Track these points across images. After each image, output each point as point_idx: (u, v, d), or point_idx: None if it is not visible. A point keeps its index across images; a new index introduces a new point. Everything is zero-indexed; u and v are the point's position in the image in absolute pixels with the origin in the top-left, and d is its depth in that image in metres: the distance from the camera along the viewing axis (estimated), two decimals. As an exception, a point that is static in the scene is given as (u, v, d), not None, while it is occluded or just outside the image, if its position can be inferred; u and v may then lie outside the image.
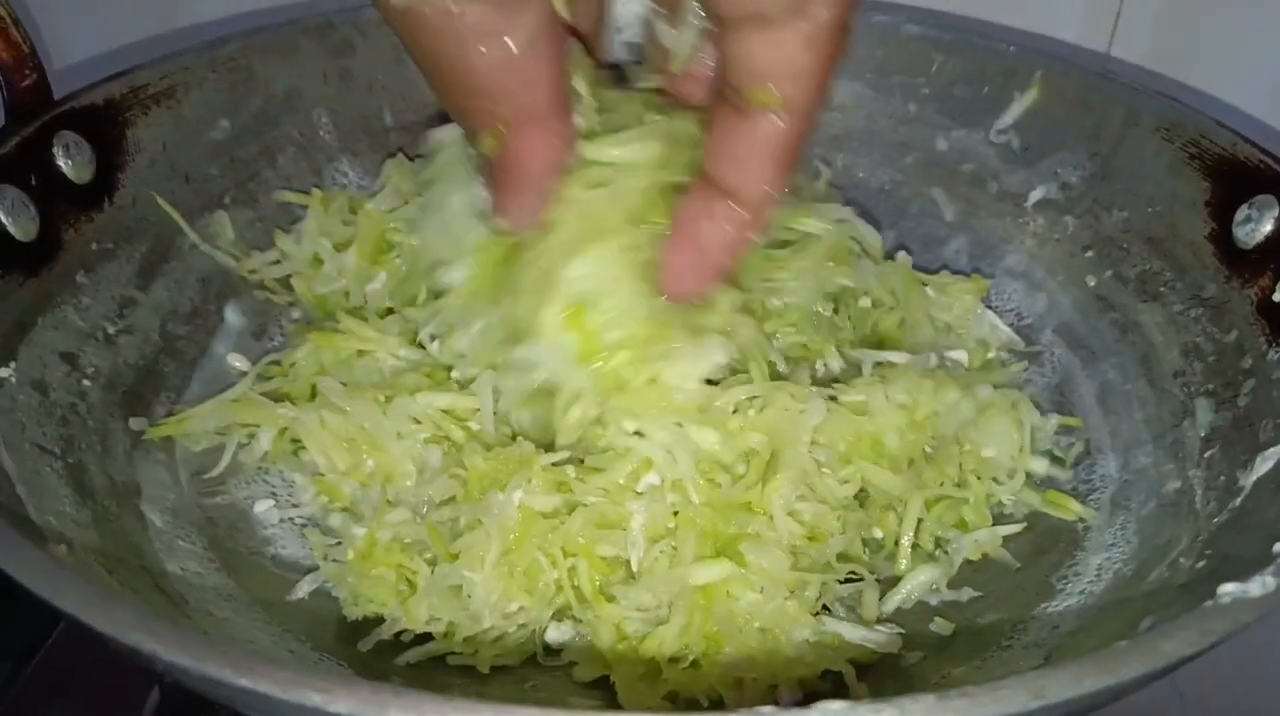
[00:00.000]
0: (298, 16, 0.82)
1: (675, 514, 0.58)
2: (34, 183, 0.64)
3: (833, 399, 0.64)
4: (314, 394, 0.68)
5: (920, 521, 0.65)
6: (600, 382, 0.59)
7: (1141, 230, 0.73)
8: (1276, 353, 0.61)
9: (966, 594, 0.63)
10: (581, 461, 0.60)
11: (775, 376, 0.65)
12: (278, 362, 0.72)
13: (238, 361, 0.74)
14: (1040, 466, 0.68)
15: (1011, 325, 0.79)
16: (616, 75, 0.65)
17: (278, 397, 0.69)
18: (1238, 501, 0.57)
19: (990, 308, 0.79)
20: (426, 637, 0.59)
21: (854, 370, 0.70)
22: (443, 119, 0.85)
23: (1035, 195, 0.80)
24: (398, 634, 0.59)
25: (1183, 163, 0.70)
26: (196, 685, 0.40)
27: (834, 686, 0.57)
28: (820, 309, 0.73)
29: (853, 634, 0.58)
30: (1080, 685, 0.36)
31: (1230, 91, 0.87)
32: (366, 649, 0.58)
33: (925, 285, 0.79)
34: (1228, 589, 0.42)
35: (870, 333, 0.75)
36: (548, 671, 0.58)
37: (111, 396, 0.66)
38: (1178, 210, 0.70)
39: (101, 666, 0.66)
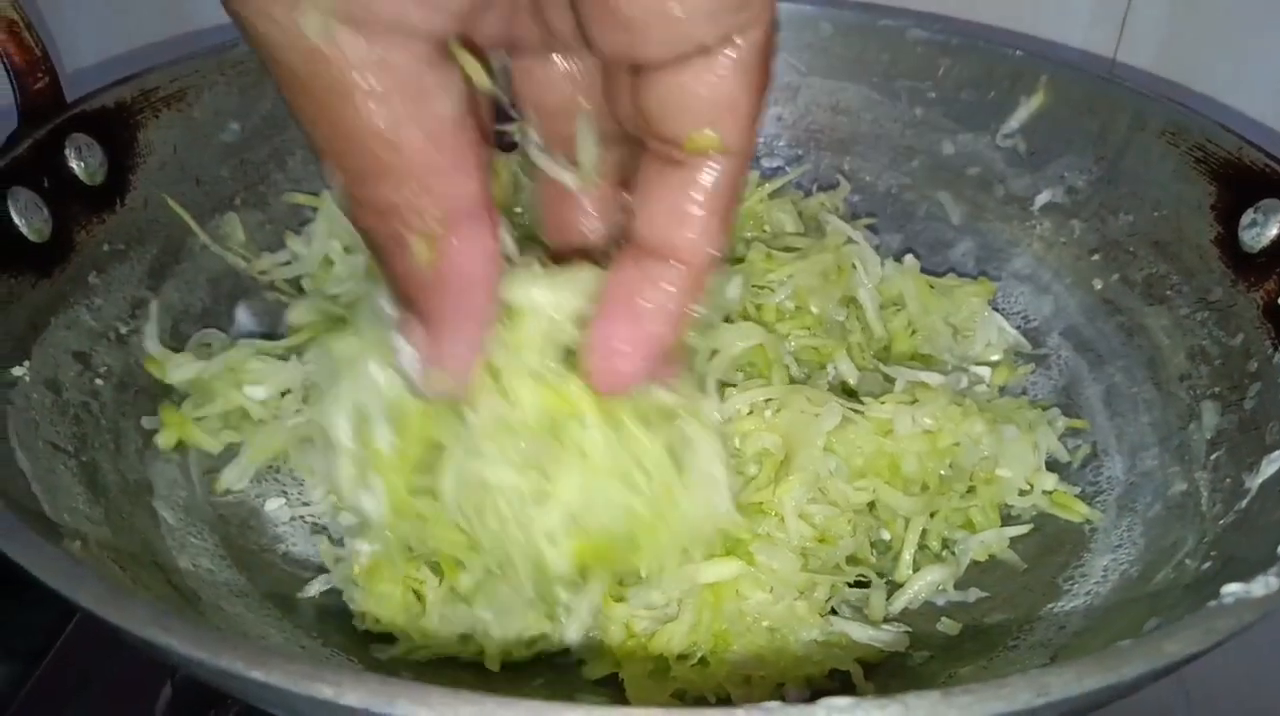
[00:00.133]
0: (308, 20, 0.82)
1: None
2: (46, 184, 0.64)
3: (858, 412, 0.64)
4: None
5: (925, 530, 0.65)
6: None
7: (1148, 234, 0.73)
8: (1283, 356, 0.61)
9: (973, 594, 0.63)
10: None
11: (791, 380, 0.66)
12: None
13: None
14: (1051, 482, 0.68)
15: (1018, 328, 0.79)
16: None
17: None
18: (1243, 503, 0.57)
19: (997, 310, 0.80)
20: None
21: (874, 379, 0.70)
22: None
23: (1042, 199, 0.81)
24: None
25: (1189, 167, 0.70)
26: (210, 678, 0.41)
27: (841, 685, 0.57)
28: (833, 312, 0.74)
29: (860, 633, 0.59)
30: (1083, 683, 0.36)
31: (1236, 96, 0.87)
32: (383, 657, 0.58)
33: (932, 288, 0.79)
34: (1231, 589, 0.42)
35: (884, 335, 0.76)
36: (556, 668, 0.59)
37: (124, 396, 0.66)
38: (1184, 214, 0.70)
39: (113, 664, 0.66)
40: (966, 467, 0.67)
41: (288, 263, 0.79)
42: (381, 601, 0.59)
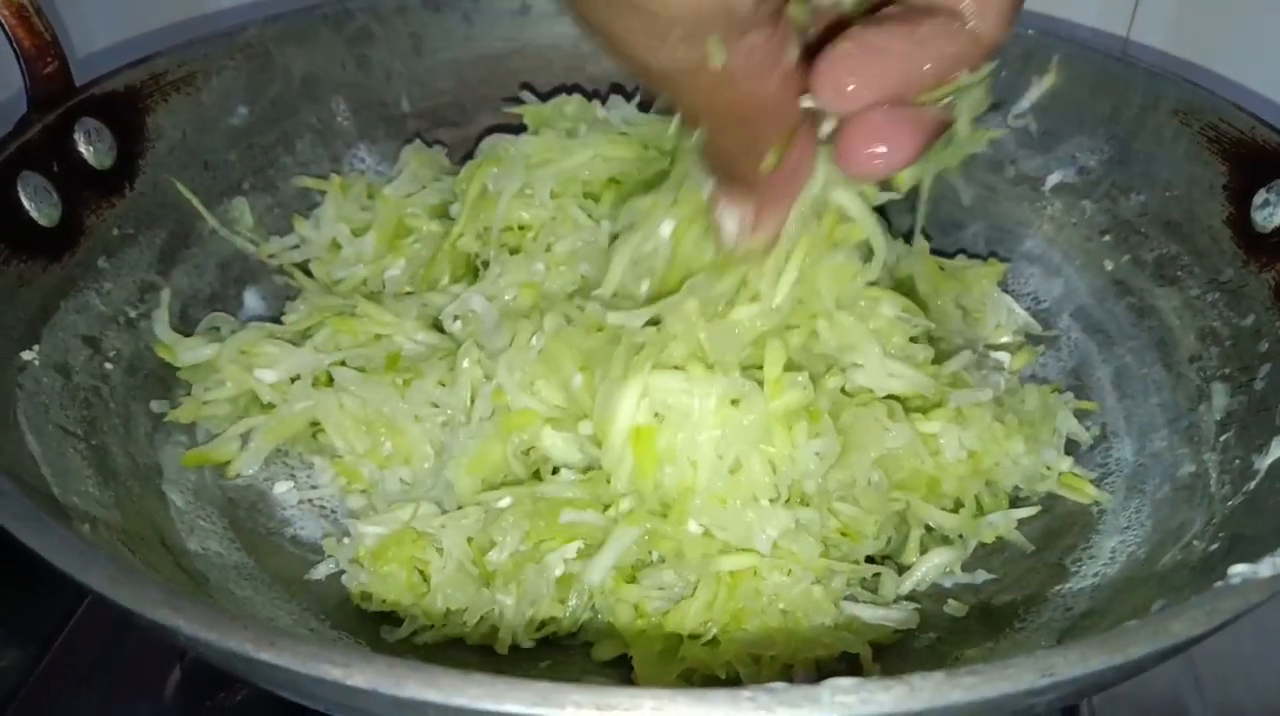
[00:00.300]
0: (316, 4, 0.82)
1: None
2: (56, 169, 0.65)
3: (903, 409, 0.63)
4: (330, 381, 0.68)
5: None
6: (648, 500, 0.59)
7: (1159, 214, 0.73)
8: (1293, 337, 0.61)
9: (981, 576, 0.63)
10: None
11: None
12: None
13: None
14: (1067, 464, 0.68)
15: (1028, 309, 0.79)
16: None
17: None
18: (1252, 485, 0.57)
19: (1007, 292, 0.79)
20: (443, 616, 0.60)
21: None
22: (458, 112, 0.87)
23: (1053, 179, 0.80)
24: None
25: (1201, 146, 0.70)
26: (218, 660, 0.41)
27: (850, 668, 0.57)
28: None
29: (871, 614, 0.59)
30: (1088, 664, 0.36)
31: (1249, 75, 0.86)
32: (390, 638, 0.59)
33: (942, 269, 0.79)
34: (1238, 569, 0.42)
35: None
36: (565, 651, 0.59)
37: (133, 379, 0.67)
38: (1196, 194, 0.70)
39: (123, 648, 0.67)
40: (1004, 487, 0.67)
41: (296, 246, 0.80)
42: (387, 582, 0.60)
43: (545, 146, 0.75)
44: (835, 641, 0.57)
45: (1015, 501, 0.67)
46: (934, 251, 0.80)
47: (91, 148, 0.67)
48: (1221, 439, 0.62)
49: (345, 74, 0.83)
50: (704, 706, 0.35)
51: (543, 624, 0.58)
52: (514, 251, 0.74)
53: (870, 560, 0.62)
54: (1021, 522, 0.66)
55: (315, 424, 0.68)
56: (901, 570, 0.63)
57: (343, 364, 0.69)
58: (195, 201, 0.74)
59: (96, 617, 0.68)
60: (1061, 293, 0.79)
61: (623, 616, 0.58)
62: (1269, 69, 0.86)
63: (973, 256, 0.82)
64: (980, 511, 0.66)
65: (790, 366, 0.59)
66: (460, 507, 0.62)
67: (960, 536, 0.65)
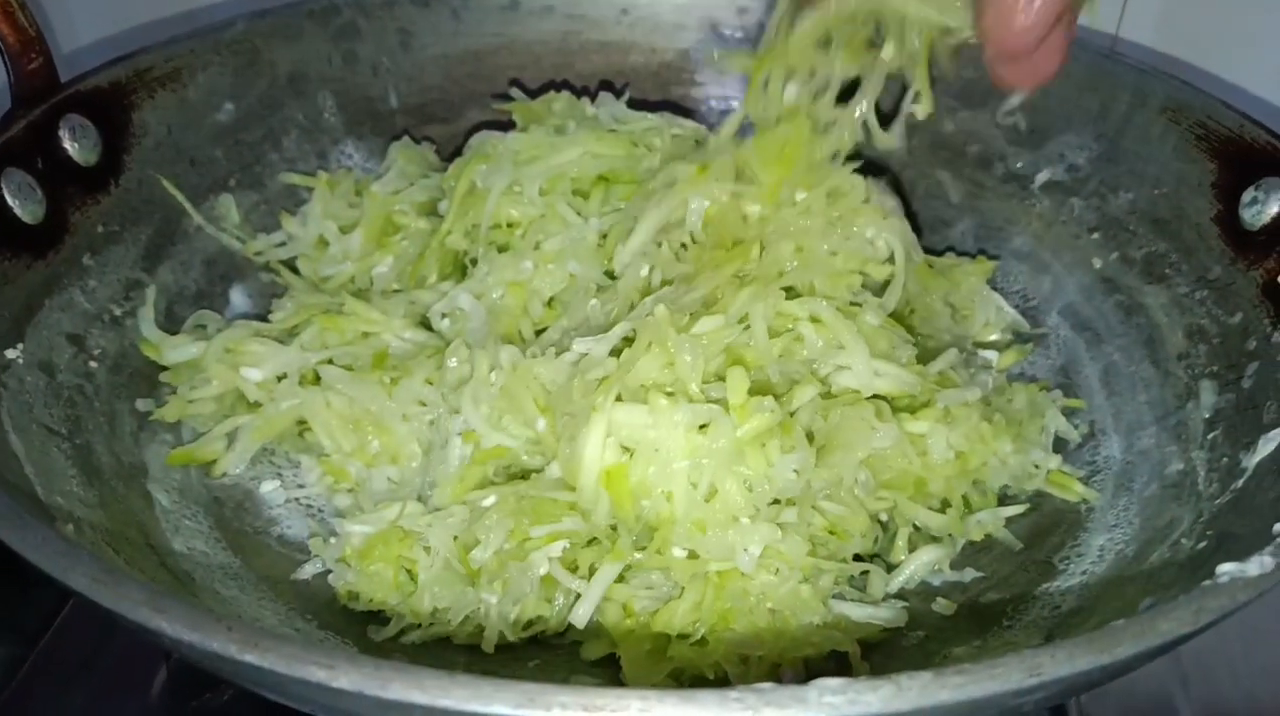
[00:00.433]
0: (302, 0, 0.82)
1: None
2: (40, 166, 0.64)
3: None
4: (317, 379, 0.68)
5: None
6: (630, 528, 0.59)
7: (1148, 212, 0.73)
8: (1281, 334, 0.61)
9: (969, 574, 0.63)
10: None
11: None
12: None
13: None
14: (1055, 462, 0.68)
15: (1017, 307, 0.79)
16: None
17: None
18: (1240, 483, 0.57)
19: (996, 289, 0.79)
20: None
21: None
22: (446, 108, 0.87)
23: (1042, 177, 0.80)
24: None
25: (1189, 144, 0.70)
26: (203, 661, 0.41)
27: (838, 667, 0.57)
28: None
29: (859, 612, 0.59)
30: (1076, 663, 0.36)
31: (1238, 73, 0.87)
32: (377, 638, 0.59)
33: (931, 267, 0.79)
34: (1226, 568, 0.42)
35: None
36: (553, 650, 0.59)
37: (118, 378, 0.66)
38: (1184, 192, 0.70)
39: (109, 647, 0.66)
40: (992, 488, 0.67)
41: (283, 244, 0.79)
42: (373, 581, 0.59)
43: (534, 143, 0.75)
44: (824, 640, 0.57)
45: (1003, 499, 0.67)
46: (922, 249, 0.80)
47: (76, 144, 0.67)
48: (1209, 437, 0.62)
49: (332, 70, 0.83)
50: (691, 707, 0.35)
51: (530, 622, 0.58)
52: (502, 249, 0.73)
53: (858, 558, 0.62)
54: (1010, 521, 0.66)
55: (302, 422, 0.68)
56: (890, 568, 0.63)
57: (330, 362, 0.68)
58: (181, 198, 0.74)
59: (83, 617, 0.67)
60: (1050, 290, 0.79)
61: (611, 616, 0.58)
62: (1257, 66, 0.86)
63: (961, 254, 0.82)
64: (968, 510, 0.66)
65: (760, 389, 0.59)
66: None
67: (949, 535, 0.65)
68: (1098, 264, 0.76)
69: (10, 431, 0.55)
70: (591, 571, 0.58)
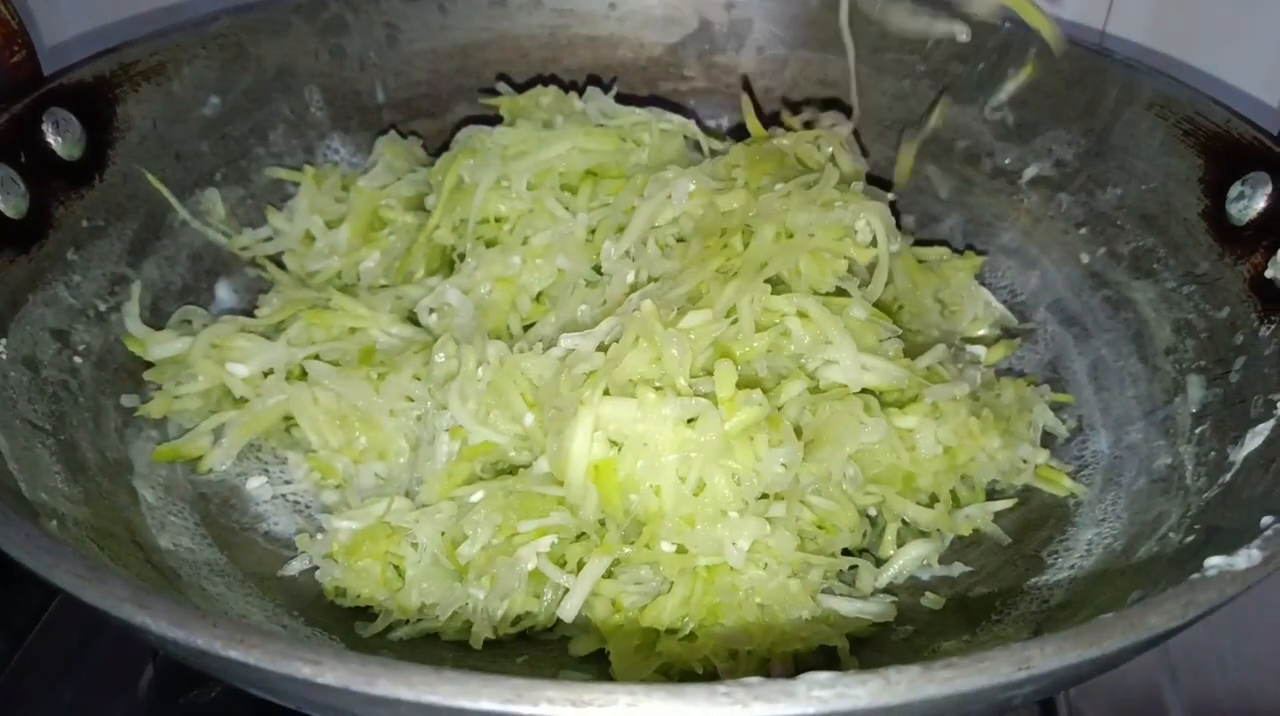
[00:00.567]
0: (289, -8, 0.82)
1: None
2: (24, 160, 0.64)
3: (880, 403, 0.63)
4: (304, 375, 0.68)
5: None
6: (619, 522, 0.58)
7: (1135, 207, 0.73)
8: (1268, 329, 0.61)
9: (958, 569, 0.63)
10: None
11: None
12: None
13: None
14: (1043, 456, 0.68)
15: (1005, 302, 0.79)
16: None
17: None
18: (1227, 477, 0.58)
19: (984, 284, 0.79)
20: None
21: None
22: (433, 103, 0.86)
23: (1030, 172, 0.80)
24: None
25: (1177, 139, 0.70)
26: (188, 658, 0.40)
27: (827, 661, 0.57)
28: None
29: (848, 607, 0.59)
30: (1064, 657, 0.36)
31: (1225, 68, 0.87)
32: (364, 634, 0.58)
33: (921, 262, 0.79)
34: (1214, 562, 0.42)
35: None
36: (541, 646, 0.59)
37: (103, 373, 0.66)
38: (1171, 187, 0.70)
39: (97, 644, 0.66)
40: (980, 482, 0.67)
41: (269, 238, 0.79)
42: (361, 577, 0.59)
43: (522, 138, 0.75)
44: (813, 635, 0.57)
45: (992, 494, 0.67)
46: (914, 240, 0.80)
47: (60, 138, 0.66)
48: (1197, 431, 0.62)
49: (319, 64, 0.83)
50: (679, 702, 0.35)
51: (518, 618, 0.58)
52: (490, 244, 0.73)
53: (847, 553, 0.62)
54: (998, 515, 0.66)
55: (289, 418, 0.68)
56: (879, 563, 0.63)
57: (316, 357, 0.68)
58: (166, 193, 0.73)
59: (70, 614, 0.67)
60: (1038, 285, 0.79)
61: (600, 611, 0.58)
62: (1244, 62, 0.86)
63: (950, 249, 0.82)
64: (956, 505, 0.66)
65: (748, 382, 0.59)
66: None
67: (937, 530, 0.65)
68: (1085, 259, 0.76)
69: (-7, 427, 0.55)
70: (580, 566, 0.58)
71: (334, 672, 0.35)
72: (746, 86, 0.89)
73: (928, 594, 0.62)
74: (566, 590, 0.57)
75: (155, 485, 0.63)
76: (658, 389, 0.57)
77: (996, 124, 0.81)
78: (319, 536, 0.62)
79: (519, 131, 0.75)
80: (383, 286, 0.76)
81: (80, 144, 0.67)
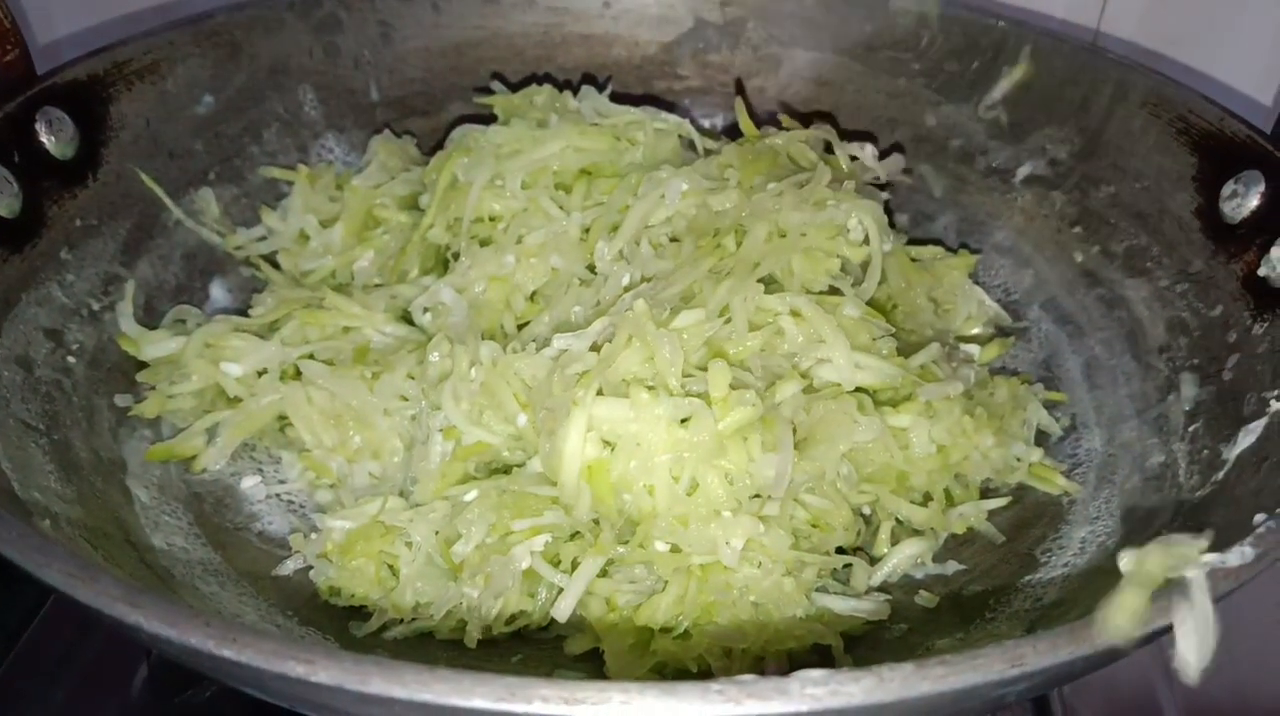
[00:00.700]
0: (282, -10, 0.81)
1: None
2: (17, 159, 0.64)
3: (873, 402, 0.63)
4: (298, 374, 0.68)
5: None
6: (613, 522, 0.59)
7: (1129, 206, 0.73)
8: (1261, 327, 0.61)
9: (952, 567, 0.63)
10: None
11: None
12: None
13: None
14: (1037, 455, 0.68)
15: (999, 301, 0.79)
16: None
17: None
18: (1220, 474, 0.58)
19: (978, 283, 0.79)
20: (412, 611, 0.59)
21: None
22: (427, 101, 0.86)
23: (1023, 171, 0.80)
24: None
25: (1170, 138, 0.70)
26: (181, 657, 0.40)
27: (822, 660, 0.57)
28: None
29: (842, 605, 0.59)
30: (1058, 653, 0.36)
31: (1218, 67, 0.87)
32: (359, 634, 0.58)
33: (914, 261, 0.79)
34: (1207, 559, 0.42)
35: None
36: (536, 645, 0.59)
37: (96, 373, 0.66)
38: (1165, 185, 0.70)
39: (90, 644, 0.66)
40: (974, 481, 0.67)
41: (263, 238, 0.79)
42: (355, 576, 0.59)
43: (516, 137, 0.75)
44: (807, 633, 0.57)
45: (985, 492, 0.67)
46: (907, 239, 0.80)
47: (53, 137, 0.66)
48: (1190, 429, 0.63)
49: (313, 62, 0.82)
50: (673, 699, 0.35)
51: (513, 617, 0.58)
52: (484, 243, 0.73)
53: (841, 551, 0.62)
54: (992, 513, 0.66)
55: (283, 418, 0.68)
56: (873, 561, 0.63)
57: (311, 357, 0.68)
58: (160, 192, 0.73)
59: (63, 613, 0.67)
60: (1032, 284, 0.79)
61: (594, 610, 0.58)
62: (1237, 61, 0.86)
63: (943, 248, 0.82)
64: (950, 503, 0.66)
65: (741, 383, 0.58)
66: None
67: (931, 529, 0.65)
68: (1079, 257, 0.76)
69: (-14, 426, 0.54)
70: (574, 565, 0.58)
71: (327, 671, 0.35)
72: (740, 86, 0.89)
73: (922, 592, 0.62)
74: (560, 589, 0.57)
75: (149, 484, 0.63)
76: (650, 389, 0.57)
77: (990, 123, 0.82)
78: (313, 536, 0.62)
79: (513, 130, 0.75)
80: (377, 285, 0.76)
81: (74, 143, 0.67)
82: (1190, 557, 0.43)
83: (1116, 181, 0.74)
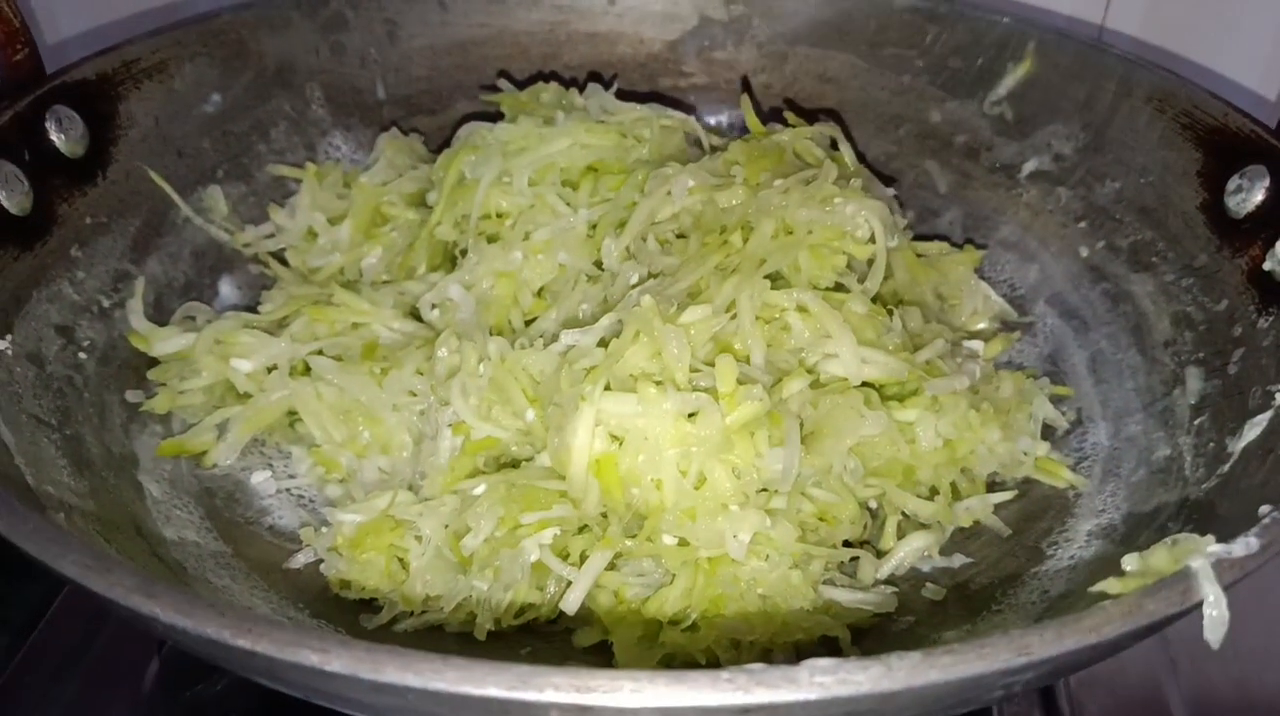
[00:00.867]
0: (289, -9, 0.82)
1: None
2: (27, 157, 0.64)
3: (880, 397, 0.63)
4: (307, 370, 0.68)
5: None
6: (621, 515, 0.59)
7: (1134, 201, 0.73)
8: (1266, 321, 0.61)
9: (958, 560, 0.64)
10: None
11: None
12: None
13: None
14: (1044, 448, 0.69)
15: (1005, 296, 0.79)
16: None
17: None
18: (1226, 467, 0.58)
19: (984, 278, 0.80)
20: (422, 604, 0.59)
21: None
22: (433, 99, 0.87)
23: (1029, 167, 0.81)
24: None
25: (1175, 133, 0.70)
26: (196, 648, 0.41)
27: (829, 652, 0.56)
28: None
29: (849, 598, 0.59)
30: (1064, 643, 0.36)
31: (1222, 62, 0.87)
32: (369, 626, 0.59)
33: (920, 256, 0.79)
34: (1212, 550, 0.42)
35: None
36: (545, 637, 0.59)
37: (107, 369, 0.66)
38: (1170, 180, 0.70)
39: (101, 638, 0.66)
40: (980, 475, 0.67)
41: (271, 235, 0.79)
42: (365, 569, 0.59)
43: (523, 134, 0.75)
44: (814, 625, 0.57)
45: (992, 486, 0.68)
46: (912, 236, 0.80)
47: (63, 135, 0.67)
48: (1195, 422, 0.63)
49: (319, 61, 0.83)
50: (683, 687, 0.35)
51: (522, 609, 0.58)
52: (492, 239, 0.73)
53: (848, 545, 0.62)
54: (998, 507, 0.66)
55: (292, 413, 0.68)
56: (880, 554, 0.63)
57: (320, 353, 0.68)
58: (169, 189, 0.73)
59: (74, 608, 0.67)
60: (1037, 279, 0.79)
61: (603, 603, 0.58)
62: (1242, 56, 0.86)
63: (949, 243, 0.82)
64: (957, 497, 0.66)
65: (748, 378, 0.59)
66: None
67: (938, 522, 0.65)
68: (1084, 252, 0.76)
69: (0, 422, 0.55)
70: (582, 558, 0.58)
71: (341, 660, 0.35)
72: (745, 83, 0.89)
73: (928, 585, 0.62)
74: (569, 582, 0.58)
75: (160, 479, 0.63)
76: (658, 384, 0.57)
77: (995, 119, 0.82)
78: (323, 530, 0.62)
79: (520, 128, 0.76)
80: (385, 282, 0.76)
81: (83, 141, 0.68)
82: (1196, 549, 0.43)
83: (1121, 177, 0.74)
